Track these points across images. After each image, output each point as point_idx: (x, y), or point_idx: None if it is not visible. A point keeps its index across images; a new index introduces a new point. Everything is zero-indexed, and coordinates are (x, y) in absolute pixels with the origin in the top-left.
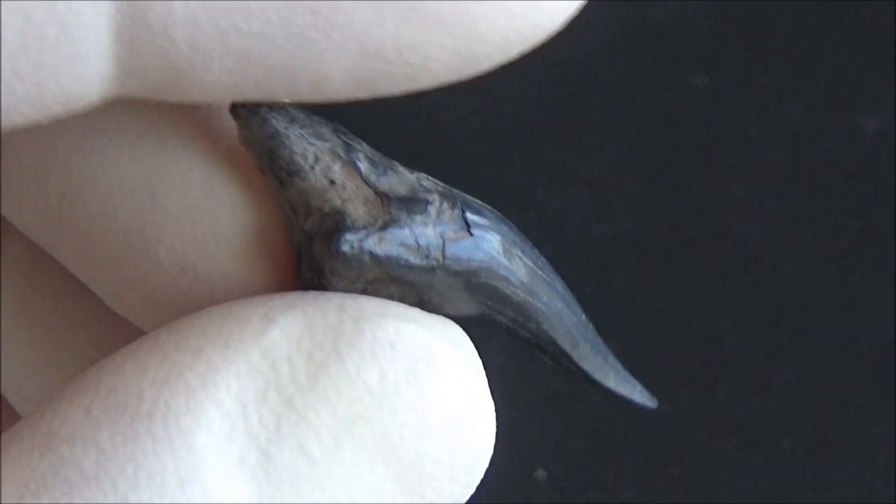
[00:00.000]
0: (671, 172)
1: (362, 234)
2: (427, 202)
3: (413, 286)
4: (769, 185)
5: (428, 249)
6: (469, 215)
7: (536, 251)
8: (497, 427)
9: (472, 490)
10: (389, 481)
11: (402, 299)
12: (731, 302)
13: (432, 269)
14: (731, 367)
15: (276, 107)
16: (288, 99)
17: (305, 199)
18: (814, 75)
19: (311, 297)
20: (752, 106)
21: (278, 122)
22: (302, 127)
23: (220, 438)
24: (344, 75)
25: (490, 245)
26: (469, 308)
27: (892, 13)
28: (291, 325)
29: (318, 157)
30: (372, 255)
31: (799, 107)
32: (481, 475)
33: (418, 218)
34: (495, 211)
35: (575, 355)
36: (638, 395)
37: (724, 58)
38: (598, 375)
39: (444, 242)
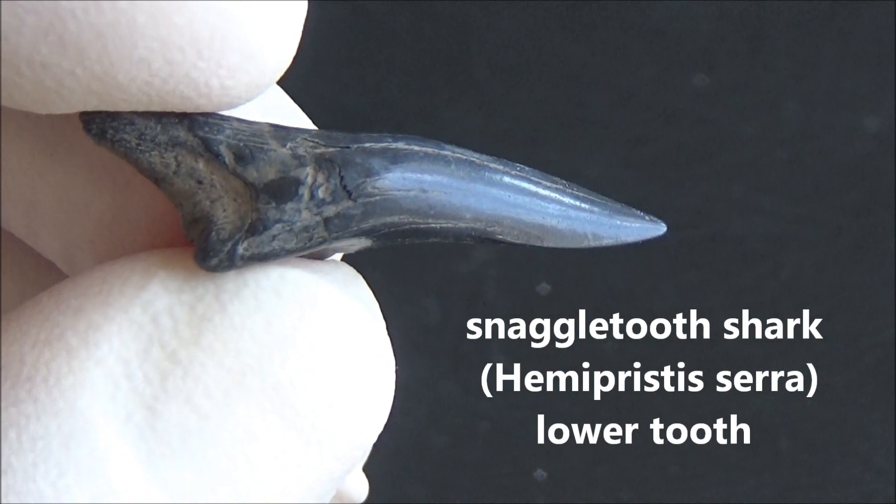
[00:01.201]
0: (671, 172)
1: (228, 245)
2: (298, 183)
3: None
4: (769, 185)
5: (308, 231)
6: (348, 182)
7: (470, 156)
8: (497, 427)
9: (377, 433)
10: (284, 430)
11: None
12: (731, 302)
13: (320, 244)
14: (731, 366)
15: (122, 121)
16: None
17: (179, 202)
18: (814, 75)
19: (192, 250)
20: (752, 106)
21: (128, 140)
22: (154, 137)
23: (104, 398)
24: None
25: (384, 198)
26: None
27: (892, 13)
28: (172, 277)
29: (178, 160)
30: (245, 258)
31: (799, 107)
32: (384, 417)
33: (289, 206)
34: (392, 139)
35: (535, 243)
36: (640, 231)
37: (724, 58)
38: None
39: (324, 221)
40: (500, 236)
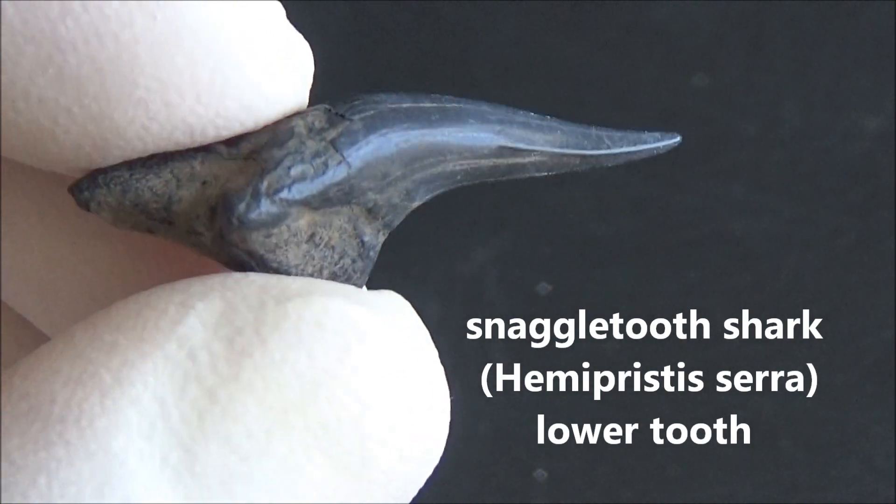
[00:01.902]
0: (671, 172)
1: (248, 189)
2: (291, 127)
3: (349, 204)
4: (769, 185)
5: (320, 157)
6: (338, 110)
7: (452, 100)
8: (497, 427)
9: (432, 466)
10: (332, 469)
11: (357, 230)
12: (731, 302)
13: (345, 179)
14: (732, 366)
15: (108, 171)
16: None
17: (195, 215)
18: (814, 75)
19: (233, 280)
20: (752, 106)
21: (120, 175)
22: (144, 162)
23: (139, 439)
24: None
25: (379, 110)
26: (424, 191)
27: (892, 13)
28: (209, 310)
29: (175, 173)
30: (270, 195)
31: (799, 107)
32: (439, 449)
33: (291, 143)
34: (374, 100)
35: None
36: (654, 143)
37: (724, 58)
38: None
39: (330, 143)
40: (527, 150)
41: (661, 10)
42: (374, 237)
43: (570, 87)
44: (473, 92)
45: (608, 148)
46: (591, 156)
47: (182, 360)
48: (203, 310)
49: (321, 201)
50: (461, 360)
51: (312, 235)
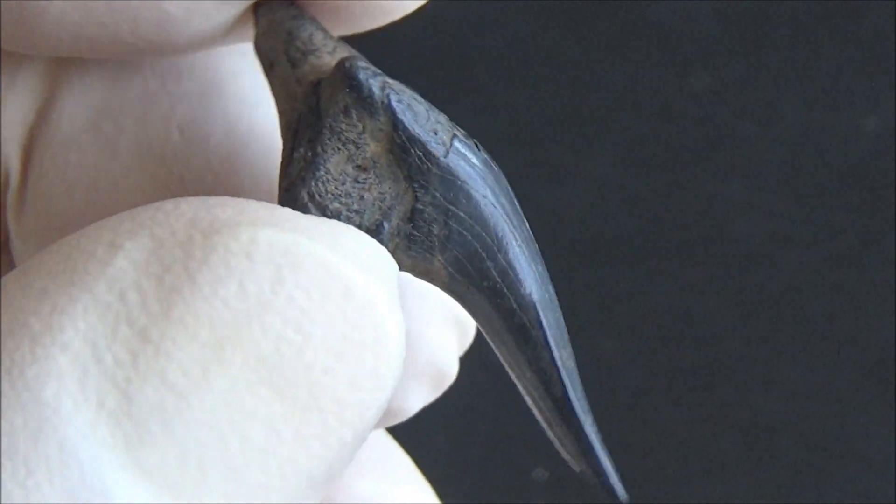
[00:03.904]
0: (671, 172)
1: (380, 76)
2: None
3: (409, 186)
4: (769, 185)
5: (437, 127)
6: (479, 145)
7: (528, 228)
8: (497, 427)
9: (387, 392)
10: (278, 402)
11: (389, 210)
12: (731, 302)
13: (435, 158)
14: (731, 367)
15: (301, 11)
16: (133, 41)
17: (317, 75)
18: (814, 75)
19: (163, 214)
20: (752, 106)
21: (302, 14)
22: (324, 29)
23: (72, 385)
24: (188, 14)
25: (497, 174)
26: (456, 239)
27: (892, 13)
28: (138, 249)
29: (336, 48)
30: (385, 95)
31: (799, 107)
32: (393, 374)
33: (434, 108)
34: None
35: (559, 356)
36: (613, 472)
37: (725, 57)
38: (577, 407)
39: (453, 135)
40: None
41: (661, 10)
42: (390, 232)
43: (570, 87)
44: (473, 92)
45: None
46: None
47: (112, 302)
48: (132, 248)
49: (402, 141)
50: (461, 360)
51: (360, 171)
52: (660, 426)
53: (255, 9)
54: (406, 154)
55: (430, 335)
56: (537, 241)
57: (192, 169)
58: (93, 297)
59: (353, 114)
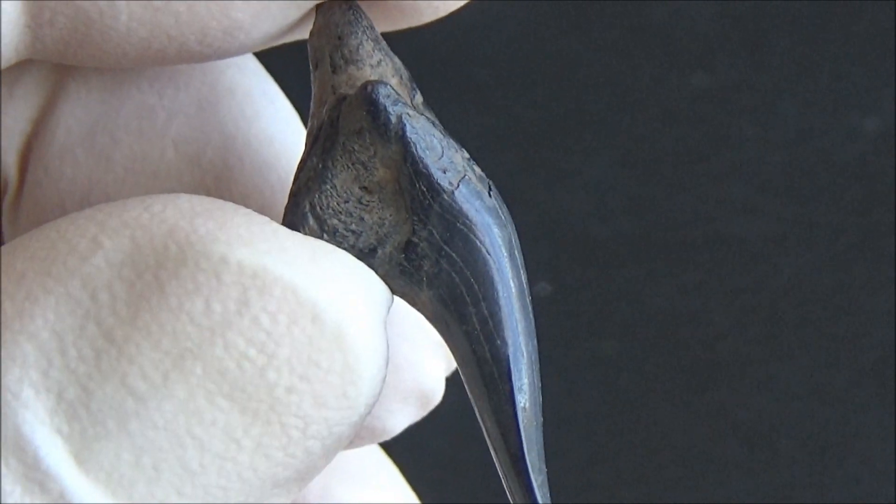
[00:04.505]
0: (671, 172)
1: (402, 100)
2: (463, 148)
3: (408, 217)
4: (769, 185)
5: (448, 166)
6: (494, 190)
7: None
8: None
9: (359, 410)
10: (238, 413)
11: (386, 237)
12: (731, 302)
13: (439, 192)
14: (731, 367)
15: (359, 10)
16: (200, 49)
17: (352, 86)
18: (814, 75)
19: (147, 216)
20: (752, 106)
21: (359, 19)
22: (378, 37)
23: (35, 374)
24: (255, 20)
25: (502, 223)
26: (443, 278)
27: (892, 13)
28: (116, 250)
29: (381, 62)
30: (402, 124)
31: (799, 107)
32: (365, 395)
33: (453, 143)
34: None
35: (520, 409)
36: None
37: (724, 58)
38: (530, 466)
39: (465, 175)
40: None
41: (661, 10)
42: (381, 258)
43: (570, 88)
44: (474, 92)
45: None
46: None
47: (84, 299)
48: (111, 249)
49: (409, 174)
50: None
51: (364, 193)
52: (660, 426)
53: (318, 7)
54: (411, 186)
55: (416, 358)
56: (537, 241)
57: (186, 185)
58: (66, 291)
59: (367, 137)
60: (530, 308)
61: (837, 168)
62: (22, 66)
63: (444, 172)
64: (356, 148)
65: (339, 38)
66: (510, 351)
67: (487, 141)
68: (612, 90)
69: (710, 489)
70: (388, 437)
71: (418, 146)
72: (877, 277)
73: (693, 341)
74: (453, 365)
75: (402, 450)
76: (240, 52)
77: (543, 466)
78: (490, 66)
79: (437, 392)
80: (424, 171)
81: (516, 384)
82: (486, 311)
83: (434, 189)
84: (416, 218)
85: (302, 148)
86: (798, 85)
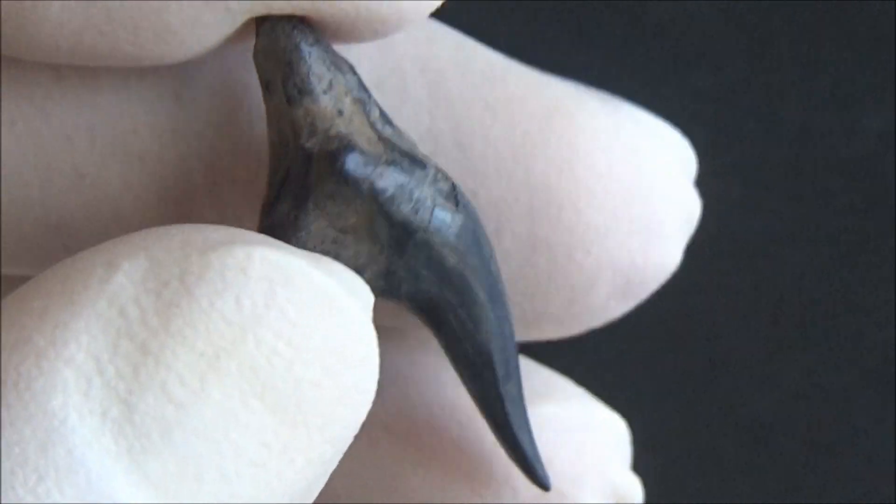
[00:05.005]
0: None
1: (370, 161)
2: (426, 164)
3: (383, 251)
4: (769, 185)
5: (419, 205)
6: (459, 194)
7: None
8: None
9: (365, 410)
10: (268, 414)
11: (363, 267)
12: (731, 302)
13: (414, 232)
14: (731, 367)
15: (303, 27)
16: (132, 50)
17: (311, 121)
18: (814, 75)
19: (155, 236)
20: (752, 106)
21: (304, 39)
22: (325, 52)
23: (77, 397)
24: (188, 26)
25: (471, 228)
26: (422, 296)
27: (892, 13)
28: (136, 267)
29: (332, 84)
30: (372, 186)
31: (800, 107)
32: (370, 394)
33: (418, 172)
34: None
35: (504, 390)
36: (540, 465)
37: (725, 57)
38: (516, 426)
39: (434, 206)
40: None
41: (661, 10)
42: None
43: None
44: None
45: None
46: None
47: (113, 317)
48: (129, 267)
49: (381, 220)
50: None
51: (339, 234)
52: (660, 426)
53: (259, 22)
54: (386, 233)
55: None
56: None
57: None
58: (94, 312)
59: (340, 199)
60: (504, 294)
61: (838, 168)
62: None
63: (417, 213)
64: (329, 204)
65: (289, 64)
66: (491, 344)
67: None
68: (612, 90)
69: (710, 489)
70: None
71: (391, 202)
72: (877, 277)
73: (693, 341)
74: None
75: None
76: (175, 59)
77: (527, 423)
78: None
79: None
80: (398, 219)
81: (498, 369)
82: (464, 316)
83: (409, 231)
84: (391, 251)
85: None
86: (799, 85)
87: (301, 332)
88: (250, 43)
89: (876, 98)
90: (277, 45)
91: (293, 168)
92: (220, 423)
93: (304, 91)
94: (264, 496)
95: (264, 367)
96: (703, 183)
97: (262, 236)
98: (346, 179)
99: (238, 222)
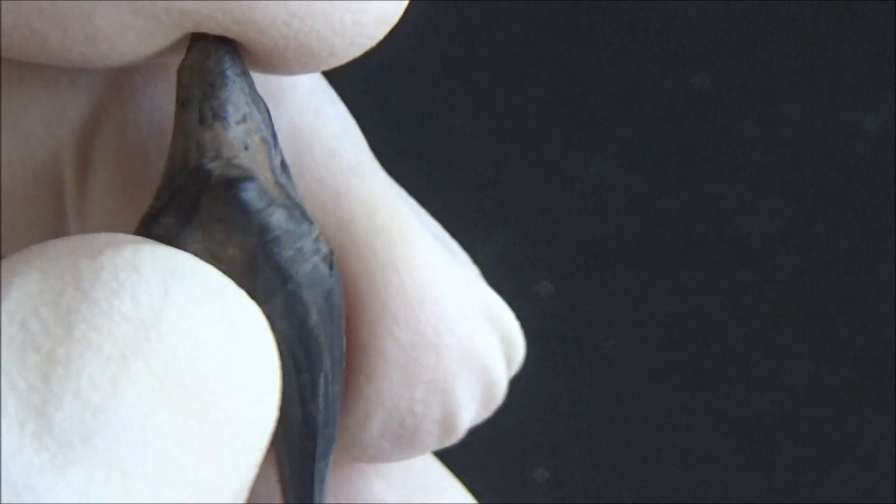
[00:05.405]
0: (671, 172)
1: (265, 197)
2: (312, 221)
3: (251, 294)
4: (769, 185)
5: (299, 255)
6: (334, 261)
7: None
8: (497, 427)
9: (274, 408)
10: (184, 413)
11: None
12: (731, 302)
13: (288, 280)
14: (731, 367)
15: (235, 55)
16: (61, 51)
17: (217, 146)
18: (814, 75)
19: (38, 250)
20: (752, 106)
21: (232, 67)
22: (248, 86)
23: None
24: (118, 32)
25: (337, 298)
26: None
27: (892, 13)
28: (28, 282)
29: (246, 118)
30: (262, 222)
31: (799, 107)
32: (277, 381)
33: (304, 226)
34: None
35: (318, 467)
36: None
37: (725, 57)
38: (316, 483)
39: (312, 262)
40: None
41: (661, 10)
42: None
43: (570, 87)
44: (474, 92)
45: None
46: None
47: (16, 333)
48: (22, 283)
49: (262, 259)
50: None
51: (218, 263)
52: (660, 426)
53: (194, 39)
54: (262, 274)
55: (483, 346)
56: (538, 241)
57: None
58: None
59: (228, 227)
60: (342, 372)
61: (838, 168)
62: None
63: (295, 262)
64: (214, 230)
65: (211, 86)
66: (319, 419)
67: (487, 141)
68: (612, 90)
69: (710, 489)
70: (456, 438)
71: (275, 243)
72: (877, 277)
73: (693, 341)
74: (512, 370)
75: None
76: (106, 64)
77: None
78: (490, 66)
79: (501, 386)
80: (277, 262)
81: (320, 447)
82: (305, 380)
83: (283, 278)
84: (258, 296)
85: (358, 152)
86: (798, 85)
87: (199, 324)
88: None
89: (876, 98)
90: (205, 65)
91: (186, 186)
92: (138, 424)
93: (218, 116)
94: (198, 497)
95: (171, 364)
96: (703, 183)
97: (144, 238)
98: (240, 207)
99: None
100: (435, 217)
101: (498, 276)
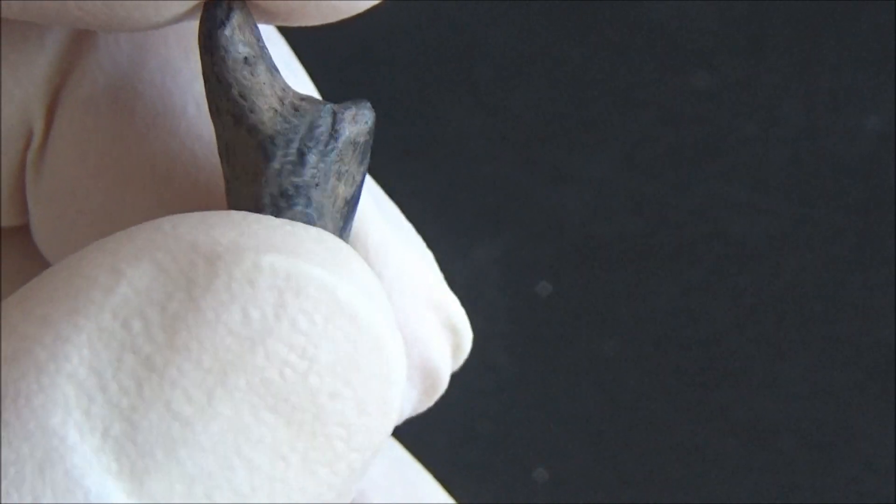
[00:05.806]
0: (671, 172)
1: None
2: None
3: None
4: (769, 185)
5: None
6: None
7: None
8: (497, 427)
9: (394, 416)
10: (284, 427)
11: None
12: (732, 302)
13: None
14: (731, 367)
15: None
16: (80, 14)
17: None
18: (814, 75)
19: (161, 235)
20: (753, 106)
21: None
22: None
23: (78, 414)
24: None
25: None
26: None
27: (892, 13)
28: (140, 276)
29: (276, 88)
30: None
31: (799, 107)
32: (397, 401)
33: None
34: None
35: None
36: None
37: (725, 57)
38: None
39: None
40: None
41: (661, 10)
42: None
43: (571, 87)
44: (474, 92)
45: None
46: None
47: (117, 331)
48: (134, 276)
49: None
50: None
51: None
52: (660, 426)
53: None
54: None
55: (425, 335)
56: (537, 241)
57: (205, 144)
58: (97, 326)
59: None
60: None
61: (838, 168)
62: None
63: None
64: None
65: (235, 81)
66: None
67: (487, 141)
68: (612, 90)
69: (710, 489)
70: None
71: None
72: (877, 277)
73: (693, 341)
74: (461, 355)
75: (405, 448)
76: (123, 28)
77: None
78: (490, 66)
79: (443, 375)
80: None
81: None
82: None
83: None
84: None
85: None
86: (799, 85)
87: (314, 343)
88: None
89: (876, 98)
90: (225, 35)
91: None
92: (229, 438)
93: (250, 109)
94: None
95: (276, 381)
96: (703, 183)
97: (277, 235)
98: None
99: None
100: (435, 217)
101: (498, 276)
